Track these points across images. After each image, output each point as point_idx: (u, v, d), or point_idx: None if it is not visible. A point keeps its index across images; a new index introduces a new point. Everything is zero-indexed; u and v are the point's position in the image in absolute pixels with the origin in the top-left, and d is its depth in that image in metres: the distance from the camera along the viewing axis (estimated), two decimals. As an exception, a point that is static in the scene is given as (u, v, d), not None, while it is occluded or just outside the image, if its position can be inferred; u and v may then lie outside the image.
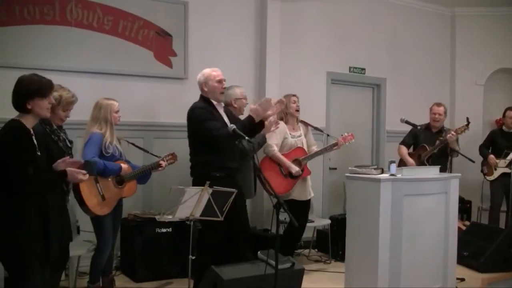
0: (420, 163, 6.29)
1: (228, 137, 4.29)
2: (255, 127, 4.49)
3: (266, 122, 4.57)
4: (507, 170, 7.04)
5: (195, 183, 4.58)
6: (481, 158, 7.33)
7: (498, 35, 8.45)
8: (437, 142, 6.22)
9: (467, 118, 6.25)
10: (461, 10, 8.52)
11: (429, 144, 6.30)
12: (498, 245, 6.00)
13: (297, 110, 5.92)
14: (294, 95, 5.92)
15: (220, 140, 4.43)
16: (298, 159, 5.80)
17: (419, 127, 6.22)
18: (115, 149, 4.63)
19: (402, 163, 6.45)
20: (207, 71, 4.75)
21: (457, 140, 6.40)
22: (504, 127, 7.40)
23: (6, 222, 3.16)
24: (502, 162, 7.06)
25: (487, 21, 8.45)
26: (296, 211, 5.58)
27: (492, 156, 7.14)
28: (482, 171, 7.30)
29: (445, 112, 6.57)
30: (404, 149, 6.61)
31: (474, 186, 7.63)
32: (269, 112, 4.49)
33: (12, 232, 3.16)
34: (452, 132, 6.13)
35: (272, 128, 4.71)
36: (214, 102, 4.70)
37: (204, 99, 4.72)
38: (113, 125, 4.63)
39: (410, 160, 6.43)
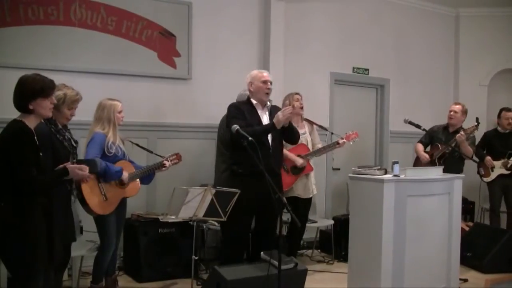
0: (431, 162, 6.29)
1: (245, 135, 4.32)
2: (286, 132, 4.72)
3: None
4: (504, 171, 7.00)
5: (229, 179, 4.71)
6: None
7: (502, 36, 8.44)
8: (448, 143, 6.20)
9: (477, 118, 6.25)
10: (465, 11, 8.50)
11: (442, 142, 6.30)
12: (502, 246, 6.00)
13: (301, 108, 5.93)
14: (297, 94, 5.93)
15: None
16: (301, 155, 5.80)
17: (422, 128, 6.20)
18: (118, 149, 4.63)
19: (417, 161, 6.49)
20: (254, 71, 4.91)
21: (474, 142, 6.38)
22: (498, 128, 7.28)
23: (10, 223, 3.16)
24: (499, 163, 7.00)
25: (491, 22, 8.44)
26: (298, 208, 5.63)
27: (489, 157, 7.08)
28: (478, 172, 7.23)
29: (464, 112, 6.49)
30: (420, 146, 6.60)
31: (478, 187, 7.61)
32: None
33: (16, 232, 3.17)
34: (462, 132, 6.12)
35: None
36: (254, 102, 4.78)
37: (248, 99, 4.86)
38: (116, 126, 4.63)
39: (424, 154, 6.43)
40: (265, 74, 4.83)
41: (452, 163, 6.13)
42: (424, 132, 6.47)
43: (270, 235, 4.79)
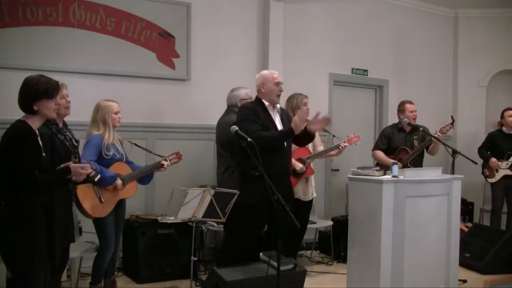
0: (403, 167, 6.14)
1: (263, 141, 4.32)
2: (303, 137, 4.67)
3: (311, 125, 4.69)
4: (509, 172, 7.01)
5: (241, 182, 4.66)
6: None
7: (501, 37, 8.44)
8: (423, 142, 6.07)
9: (452, 117, 6.23)
10: (464, 12, 8.51)
11: (405, 145, 6.14)
12: (500, 247, 6.00)
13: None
14: (306, 97, 5.88)
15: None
16: (302, 158, 5.79)
17: (421, 128, 6.16)
18: (115, 151, 4.61)
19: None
20: (265, 72, 4.84)
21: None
22: (503, 128, 7.30)
23: (11, 223, 3.17)
24: (504, 164, 7.03)
25: (490, 23, 8.45)
26: (299, 211, 5.61)
27: (494, 159, 7.09)
28: (483, 173, 7.26)
29: None
30: (380, 153, 6.23)
31: (477, 187, 7.62)
32: (314, 127, 4.64)
33: (18, 232, 3.17)
34: (438, 133, 5.97)
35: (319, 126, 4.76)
36: (266, 103, 4.72)
37: (258, 99, 4.78)
38: (111, 126, 4.60)
39: (389, 159, 6.00)
40: (277, 75, 4.78)
41: (418, 162, 6.09)
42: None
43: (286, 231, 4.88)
